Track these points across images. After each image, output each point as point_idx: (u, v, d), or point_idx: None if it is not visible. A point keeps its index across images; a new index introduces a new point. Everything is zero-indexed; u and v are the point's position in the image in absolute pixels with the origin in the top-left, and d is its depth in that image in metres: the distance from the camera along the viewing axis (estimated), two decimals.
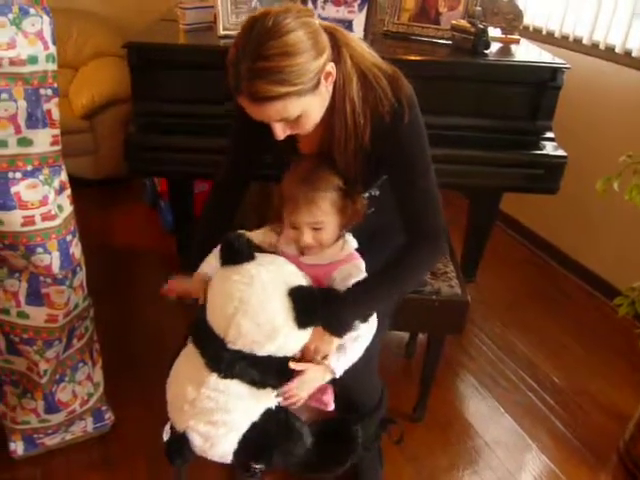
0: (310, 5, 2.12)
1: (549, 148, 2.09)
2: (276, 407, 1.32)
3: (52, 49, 1.42)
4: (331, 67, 1.20)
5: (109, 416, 1.89)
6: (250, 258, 1.25)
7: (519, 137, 2.11)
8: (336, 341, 1.28)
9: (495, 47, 2.23)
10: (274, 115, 1.19)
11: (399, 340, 2.39)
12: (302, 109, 1.19)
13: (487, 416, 2.09)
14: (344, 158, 1.30)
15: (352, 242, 1.42)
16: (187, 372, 1.31)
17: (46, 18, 1.40)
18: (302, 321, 1.20)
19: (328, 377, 1.29)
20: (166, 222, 2.99)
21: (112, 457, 1.84)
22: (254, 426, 1.27)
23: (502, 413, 2.10)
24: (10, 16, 1.33)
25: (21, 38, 1.35)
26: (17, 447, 1.78)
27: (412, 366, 2.27)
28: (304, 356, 1.28)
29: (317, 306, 1.21)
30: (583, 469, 1.91)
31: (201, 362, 1.27)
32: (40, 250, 1.49)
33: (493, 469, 1.89)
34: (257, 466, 1.67)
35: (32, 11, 1.36)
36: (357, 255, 1.40)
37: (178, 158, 2.06)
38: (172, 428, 1.32)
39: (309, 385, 1.28)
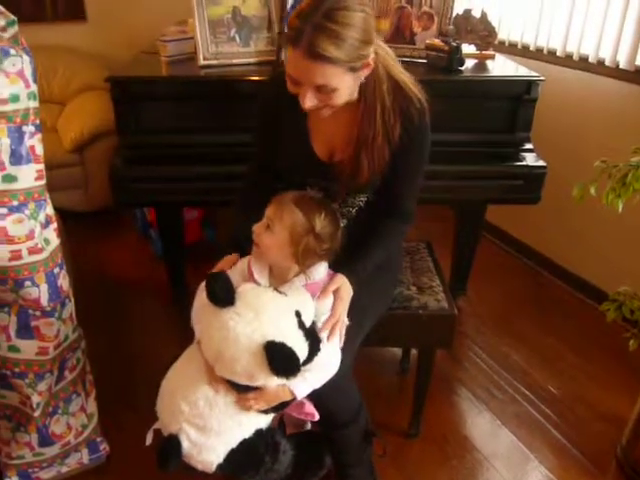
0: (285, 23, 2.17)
1: (529, 159, 2.13)
2: (266, 428, 1.33)
3: (33, 87, 1.46)
4: (372, 60, 1.31)
5: (104, 447, 1.89)
6: (229, 303, 1.24)
7: (499, 150, 2.15)
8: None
9: (471, 63, 2.28)
10: (318, 77, 1.26)
11: (393, 357, 2.39)
12: (339, 84, 1.28)
13: (484, 429, 2.09)
14: (371, 153, 1.42)
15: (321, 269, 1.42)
16: (190, 372, 1.32)
17: (26, 57, 1.43)
18: (278, 373, 1.20)
19: (288, 397, 1.30)
20: (157, 251, 3.01)
21: None
22: (243, 442, 1.29)
23: (499, 425, 2.09)
24: None
25: (2, 78, 1.38)
26: None
27: (407, 382, 2.25)
28: None
29: (293, 360, 1.21)
30: (584, 478, 1.89)
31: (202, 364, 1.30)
32: (28, 283, 1.51)
33: None
34: None
35: (12, 52, 1.40)
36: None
37: (163, 188, 2.09)
38: (159, 432, 1.33)
39: (267, 398, 1.29)
